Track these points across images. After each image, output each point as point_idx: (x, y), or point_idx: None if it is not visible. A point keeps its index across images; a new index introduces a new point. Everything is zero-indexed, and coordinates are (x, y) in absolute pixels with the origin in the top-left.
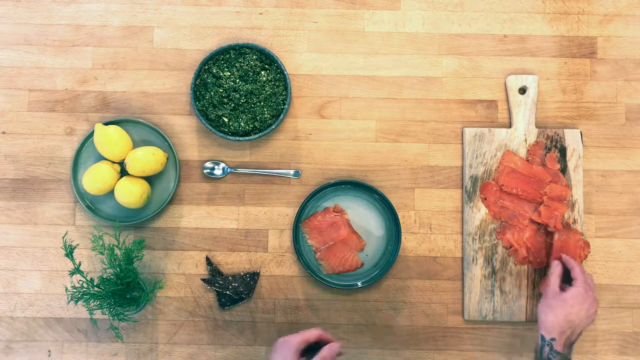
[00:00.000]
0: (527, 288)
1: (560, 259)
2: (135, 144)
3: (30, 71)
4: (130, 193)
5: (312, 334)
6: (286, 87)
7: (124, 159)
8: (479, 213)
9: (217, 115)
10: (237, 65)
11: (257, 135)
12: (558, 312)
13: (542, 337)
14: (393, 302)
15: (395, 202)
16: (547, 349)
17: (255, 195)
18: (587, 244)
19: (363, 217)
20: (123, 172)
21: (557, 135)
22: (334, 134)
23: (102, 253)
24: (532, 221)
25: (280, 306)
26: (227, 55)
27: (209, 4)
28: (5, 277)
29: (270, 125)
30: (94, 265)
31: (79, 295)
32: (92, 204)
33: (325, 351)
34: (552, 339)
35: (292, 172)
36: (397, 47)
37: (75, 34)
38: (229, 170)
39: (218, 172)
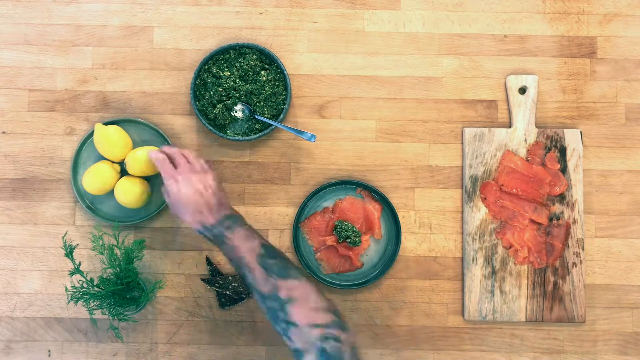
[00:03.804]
0: (527, 288)
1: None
2: (135, 144)
3: (30, 71)
4: (130, 193)
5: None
6: (286, 87)
7: (124, 159)
8: (479, 213)
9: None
10: (237, 65)
11: (257, 135)
12: (181, 209)
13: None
14: (393, 302)
15: (395, 202)
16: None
17: (255, 195)
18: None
19: None
20: (123, 172)
21: (557, 135)
22: (334, 134)
23: (102, 253)
24: (532, 221)
25: None
26: (227, 55)
27: (209, 4)
28: (5, 277)
29: (270, 125)
30: (94, 265)
31: (79, 295)
32: (92, 204)
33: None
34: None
35: (308, 134)
36: (397, 47)
37: (75, 34)
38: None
39: (239, 114)
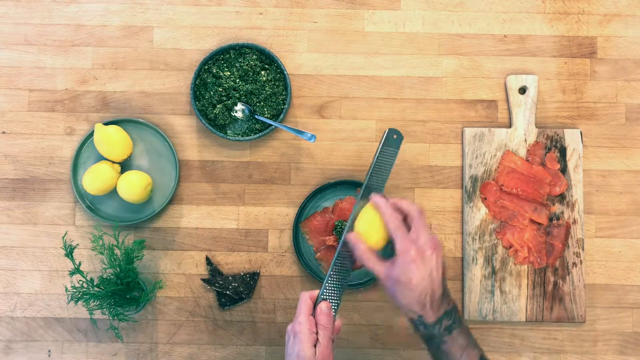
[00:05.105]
0: (527, 288)
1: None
2: (135, 144)
3: (30, 71)
4: (134, 185)
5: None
6: (286, 87)
7: (124, 159)
8: (479, 213)
9: (217, 115)
10: (237, 65)
11: (257, 135)
12: (405, 294)
13: (411, 321)
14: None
15: None
16: (422, 328)
17: (255, 195)
18: None
19: None
20: (123, 172)
21: (557, 135)
22: (334, 134)
23: (102, 253)
24: (532, 221)
25: (280, 306)
26: (227, 55)
27: (209, 4)
28: (5, 277)
29: (270, 125)
30: (94, 265)
31: (79, 295)
32: (92, 204)
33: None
34: (420, 317)
35: (308, 134)
36: (397, 47)
37: (75, 34)
38: (249, 113)
39: (239, 114)
